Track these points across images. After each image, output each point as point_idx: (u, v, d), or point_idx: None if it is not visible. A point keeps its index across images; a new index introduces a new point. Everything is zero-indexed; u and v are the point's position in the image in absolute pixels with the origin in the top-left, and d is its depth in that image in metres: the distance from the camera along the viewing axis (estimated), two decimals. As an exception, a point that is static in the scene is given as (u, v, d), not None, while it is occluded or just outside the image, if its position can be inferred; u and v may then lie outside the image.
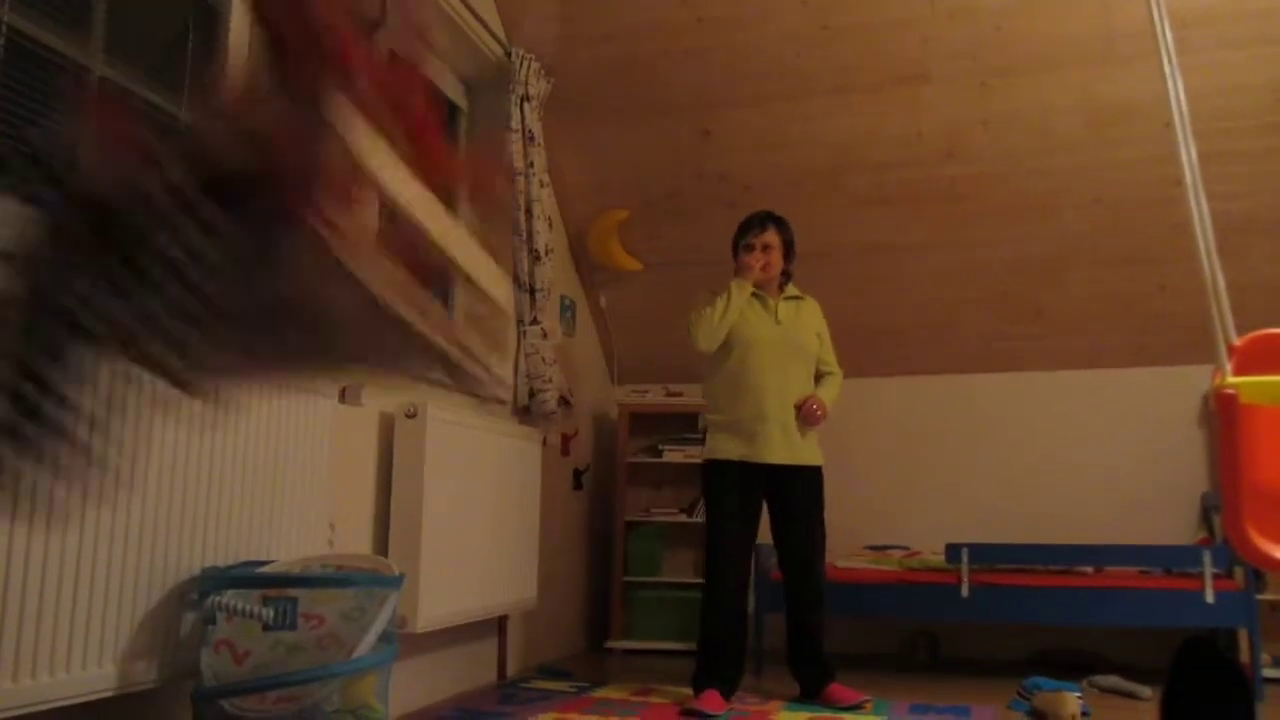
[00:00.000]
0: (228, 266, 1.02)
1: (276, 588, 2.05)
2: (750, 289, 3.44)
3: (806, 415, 3.38)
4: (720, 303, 3.40)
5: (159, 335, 1.09)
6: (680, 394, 4.86)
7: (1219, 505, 4.00)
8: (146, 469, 1.99)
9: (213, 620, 2.01)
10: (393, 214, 1.14)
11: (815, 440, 3.47)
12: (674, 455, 4.80)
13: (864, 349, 3.85)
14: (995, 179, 4.20)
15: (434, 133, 1.21)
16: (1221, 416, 1.89)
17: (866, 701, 3.25)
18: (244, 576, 2.09)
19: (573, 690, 3.49)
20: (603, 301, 4.90)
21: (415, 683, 3.13)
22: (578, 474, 4.66)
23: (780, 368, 3.40)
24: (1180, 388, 4.43)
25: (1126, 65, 3.78)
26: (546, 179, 3.97)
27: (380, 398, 2.96)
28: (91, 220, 1.08)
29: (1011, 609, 3.91)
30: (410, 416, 3.00)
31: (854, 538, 4.40)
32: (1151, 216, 4.07)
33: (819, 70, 4.05)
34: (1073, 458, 4.52)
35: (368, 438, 2.96)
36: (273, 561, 2.22)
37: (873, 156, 4.23)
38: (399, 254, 1.15)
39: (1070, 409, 4.58)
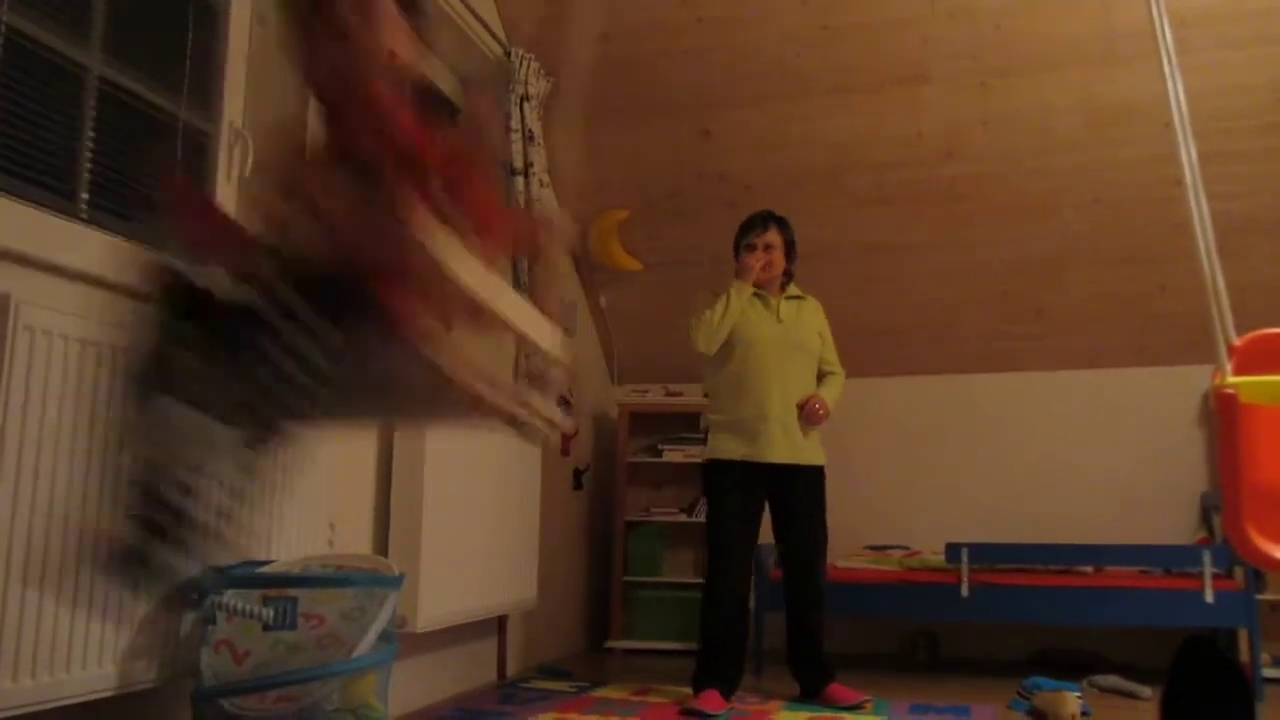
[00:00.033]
0: (325, 359, 1.16)
1: (276, 588, 2.05)
2: (750, 290, 3.44)
3: (809, 415, 3.38)
4: (720, 305, 3.40)
5: (270, 406, 1.22)
6: (680, 394, 4.86)
7: (1219, 505, 4.00)
8: (146, 469, 1.99)
9: (213, 620, 2.01)
10: (459, 293, 1.28)
11: (817, 440, 3.47)
12: (674, 455, 4.80)
13: (864, 349, 3.85)
14: (995, 179, 4.20)
15: (493, 207, 1.35)
16: (1221, 416, 1.89)
17: (866, 701, 3.25)
18: (244, 576, 2.09)
19: (573, 690, 3.49)
20: (603, 301, 4.90)
21: (415, 682, 3.13)
22: (578, 474, 4.65)
23: (782, 367, 3.40)
24: (1180, 388, 4.43)
25: (1126, 65, 3.78)
26: (546, 179, 3.97)
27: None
28: (205, 322, 1.25)
29: (1011, 609, 3.91)
30: (410, 416, 2.99)
31: (854, 538, 4.40)
32: (1151, 216, 4.07)
33: (819, 70, 4.04)
34: (1073, 458, 4.52)
35: (368, 437, 2.95)
36: (273, 561, 2.22)
37: (873, 156, 4.23)
38: (465, 326, 1.30)
39: (1070, 409, 4.58)
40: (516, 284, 1.38)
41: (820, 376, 3.53)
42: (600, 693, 3.47)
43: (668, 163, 4.40)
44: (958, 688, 3.68)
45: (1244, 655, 3.69)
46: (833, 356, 3.58)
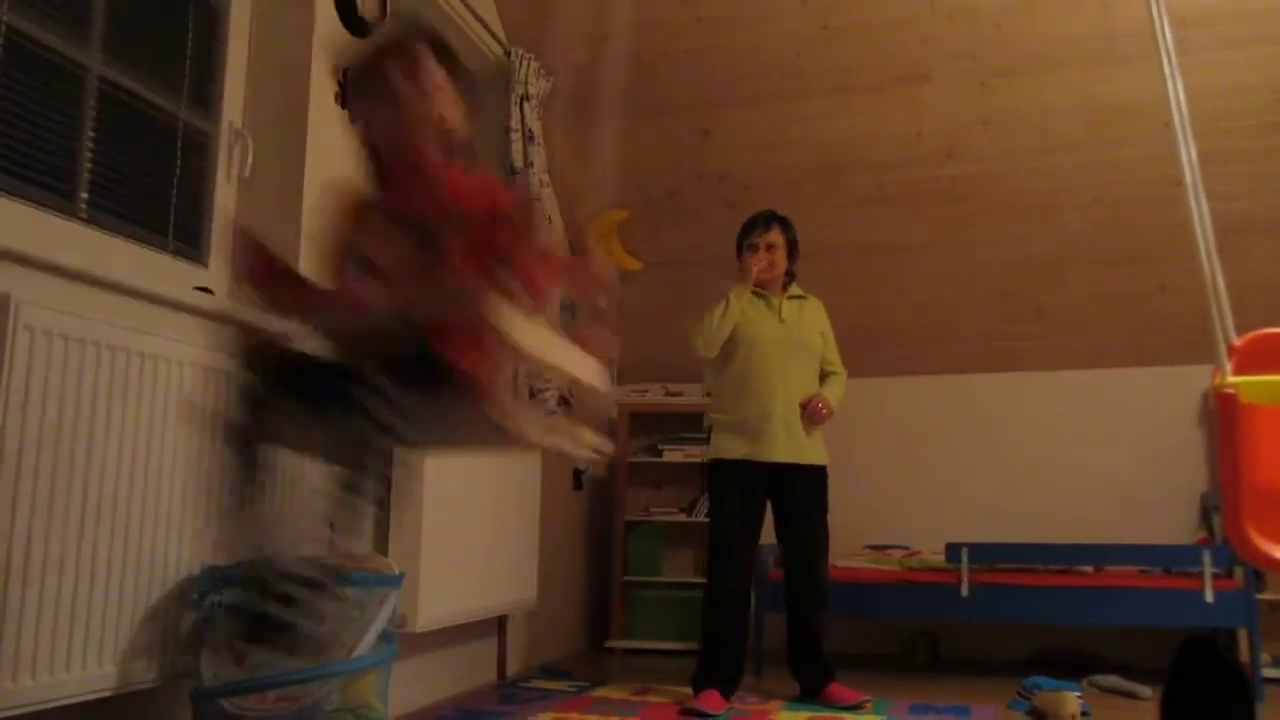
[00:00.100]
0: (407, 416, 1.34)
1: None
2: (748, 295, 3.44)
3: (812, 414, 3.39)
4: (718, 309, 3.41)
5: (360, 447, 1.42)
6: (680, 393, 4.86)
7: (1219, 505, 4.00)
8: (147, 469, 1.99)
9: (212, 620, 2.01)
10: (513, 349, 1.45)
11: (820, 439, 3.46)
12: (674, 455, 4.80)
13: (864, 349, 3.85)
14: (995, 179, 4.20)
15: (539, 264, 1.48)
16: (1221, 416, 1.89)
17: (866, 701, 3.25)
18: (244, 576, 2.08)
19: (572, 690, 3.49)
20: (603, 301, 4.89)
21: (415, 682, 3.13)
22: (578, 474, 4.65)
23: (784, 367, 3.40)
24: (1180, 388, 4.43)
25: (1126, 65, 3.78)
26: (546, 179, 3.97)
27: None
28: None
29: (1011, 609, 3.91)
30: (410, 416, 2.99)
31: (854, 537, 4.40)
32: (1151, 216, 4.07)
33: (819, 70, 4.04)
34: (1073, 458, 4.52)
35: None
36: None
37: (873, 156, 4.23)
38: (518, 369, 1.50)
39: (1070, 409, 4.58)
40: (562, 316, 1.55)
41: (823, 376, 3.53)
42: (600, 692, 3.47)
43: (668, 163, 4.40)
44: (958, 688, 3.68)
45: (1244, 655, 3.69)
46: (835, 356, 3.58)
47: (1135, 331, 4.43)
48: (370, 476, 1.39)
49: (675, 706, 3.21)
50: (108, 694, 1.89)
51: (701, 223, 4.45)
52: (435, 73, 1.53)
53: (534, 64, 3.97)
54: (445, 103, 1.54)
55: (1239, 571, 3.68)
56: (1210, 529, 4.22)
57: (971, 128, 4.09)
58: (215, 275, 2.59)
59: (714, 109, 4.22)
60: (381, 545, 2.96)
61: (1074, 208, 4.19)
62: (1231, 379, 1.88)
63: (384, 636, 2.13)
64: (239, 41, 2.72)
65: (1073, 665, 4.01)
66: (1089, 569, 3.94)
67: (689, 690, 3.28)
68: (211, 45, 2.66)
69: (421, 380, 1.36)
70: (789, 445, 3.36)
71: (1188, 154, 1.98)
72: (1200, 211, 1.95)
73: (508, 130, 3.92)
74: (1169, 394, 4.45)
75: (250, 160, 2.66)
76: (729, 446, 3.39)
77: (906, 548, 4.38)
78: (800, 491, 3.40)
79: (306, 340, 1.53)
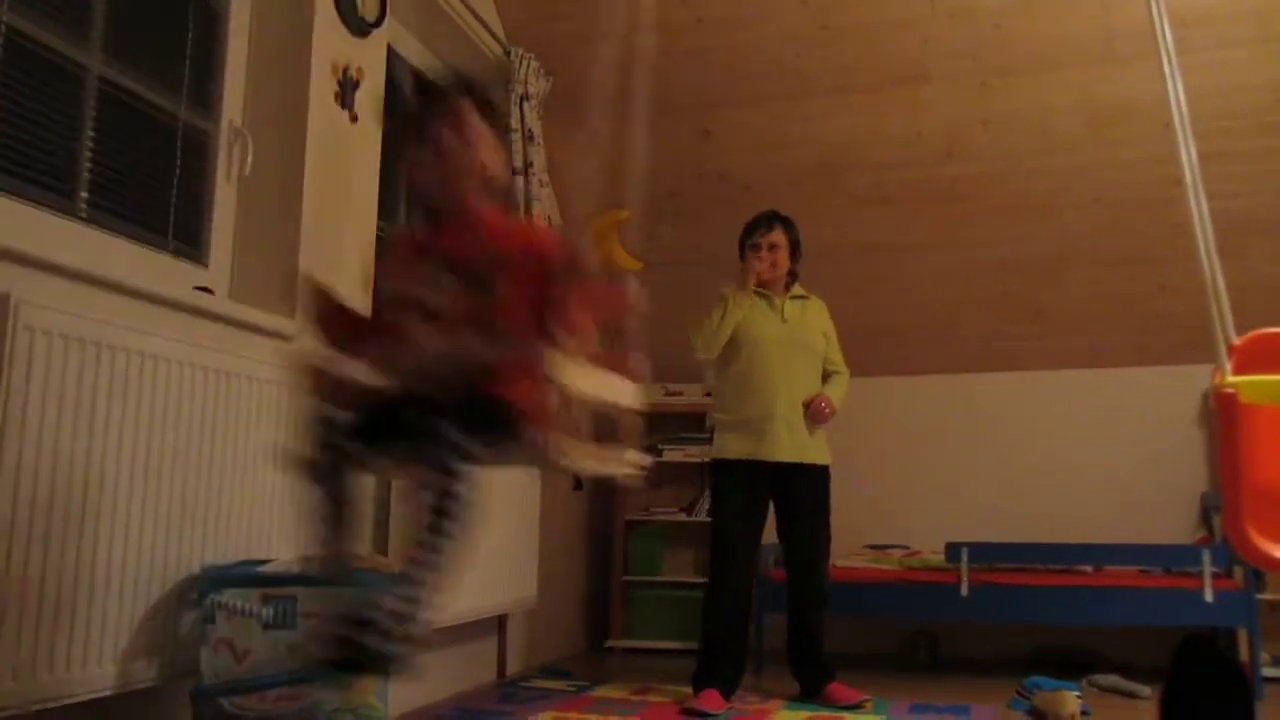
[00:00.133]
0: (468, 456, 1.46)
1: (276, 587, 2.05)
2: (747, 302, 3.43)
3: (815, 413, 3.39)
4: (716, 314, 3.41)
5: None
6: (680, 393, 4.85)
7: (1219, 505, 4.00)
8: (147, 469, 1.99)
9: (212, 619, 2.01)
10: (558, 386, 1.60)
11: (823, 439, 3.47)
12: (674, 454, 4.80)
13: (864, 349, 3.85)
14: (995, 179, 4.19)
15: (578, 304, 1.61)
16: (1221, 416, 1.89)
17: (866, 701, 3.25)
18: (244, 575, 2.09)
19: (572, 689, 3.49)
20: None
21: (415, 682, 3.13)
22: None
23: (787, 367, 3.40)
24: (1180, 387, 4.43)
25: (1126, 65, 3.78)
26: (546, 178, 3.97)
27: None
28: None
29: (1011, 608, 3.91)
30: (410, 416, 2.99)
31: (854, 537, 4.40)
32: (1151, 216, 4.07)
33: (819, 70, 4.04)
34: (1073, 457, 4.52)
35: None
36: (273, 560, 2.22)
37: (873, 156, 4.23)
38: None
39: (1070, 408, 4.58)
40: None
41: (825, 376, 3.53)
42: (600, 692, 3.47)
43: (668, 163, 4.40)
44: (958, 687, 3.68)
45: (1244, 655, 3.69)
46: (837, 356, 3.58)
47: (1135, 331, 4.43)
48: (452, 501, 1.46)
49: (675, 706, 3.21)
50: (108, 693, 1.89)
51: (701, 223, 4.45)
52: (477, 125, 1.65)
53: (534, 64, 3.97)
54: (487, 152, 1.66)
55: (1239, 571, 3.68)
56: (1210, 529, 4.22)
57: (971, 128, 4.09)
58: (215, 275, 2.60)
59: (714, 109, 4.22)
60: (381, 545, 2.96)
61: (1074, 208, 4.19)
62: (1231, 379, 1.88)
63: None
64: (239, 41, 2.72)
65: (1072, 665, 4.01)
66: (1089, 569, 3.94)
67: (689, 690, 3.28)
68: (211, 45, 2.66)
69: (477, 422, 1.48)
70: (791, 445, 3.36)
71: (1188, 154, 1.99)
72: (1200, 211, 1.95)
73: (508, 130, 3.92)
74: (1169, 394, 4.45)
75: (250, 160, 2.66)
76: (732, 446, 3.39)
77: (906, 547, 4.38)
78: (803, 491, 3.40)
79: (373, 380, 1.65)
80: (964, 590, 3.87)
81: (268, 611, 2.01)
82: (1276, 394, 1.87)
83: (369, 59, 2.96)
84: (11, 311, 1.70)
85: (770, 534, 3.48)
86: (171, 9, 2.54)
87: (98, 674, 1.86)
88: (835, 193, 4.32)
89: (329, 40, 2.79)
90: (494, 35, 3.94)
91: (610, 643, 4.65)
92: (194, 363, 2.12)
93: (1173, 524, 4.34)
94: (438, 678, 3.31)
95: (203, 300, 2.33)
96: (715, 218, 4.18)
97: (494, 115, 1.69)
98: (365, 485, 1.68)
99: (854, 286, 4.47)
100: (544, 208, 3.90)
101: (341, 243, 2.84)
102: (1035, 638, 4.33)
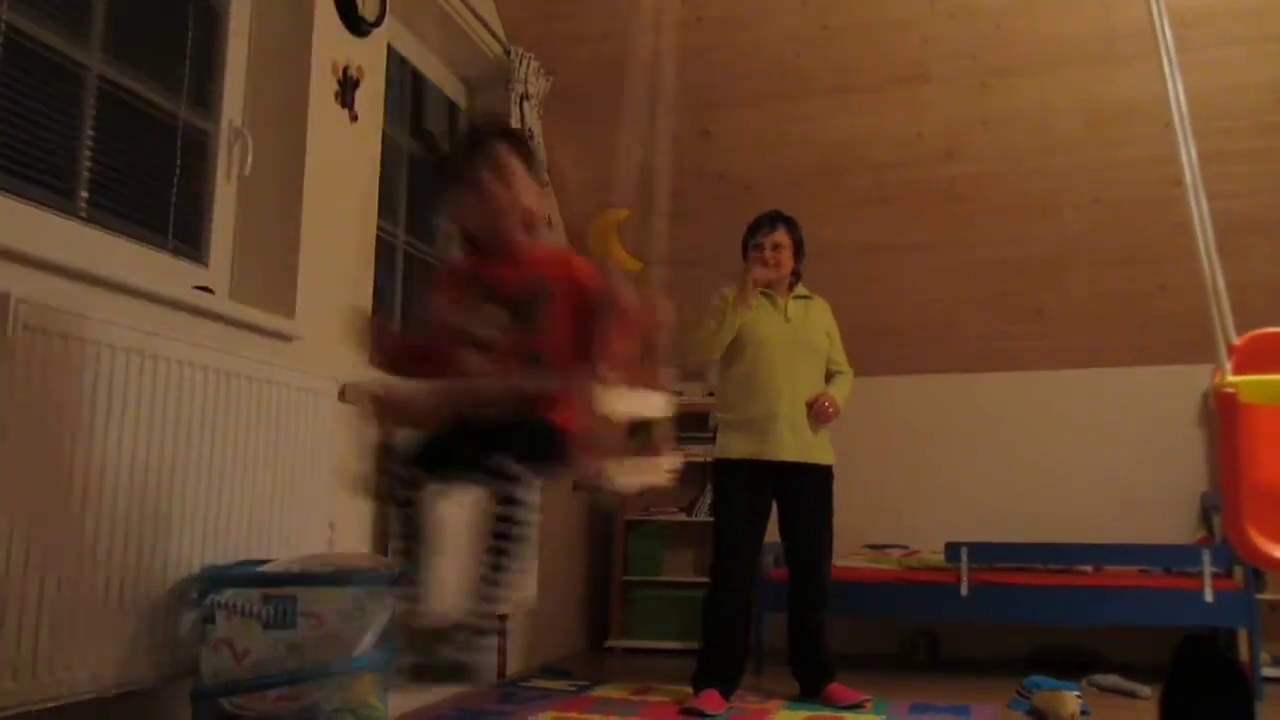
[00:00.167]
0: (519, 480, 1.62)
1: (276, 586, 2.05)
2: (747, 313, 3.42)
3: (818, 413, 3.39)
4: (714, 318, 3.40)
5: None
6: (680, 393, 4.84)
7: (1218, 505, 4.00)
8: (147, 468, 1.99)
9: (212, 619, 2.01)
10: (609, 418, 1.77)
11: (827, 439, 3.46)
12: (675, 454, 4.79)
13: (864, 349, 3.85)
14: (995, 179, 4.19)
15: (617, 333, 1.76)
16: (1221, 416, 1.89)
17: (866, 701, 3.25)
18: (244, 575, 2.09)
19: (572, 689, 3.49)
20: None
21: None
22: (578, 473, 4.65)
23: (790, 366, 3.41)
24: (1180, 387, 4.43)
25: (1126, 65, 3.78)
26: (546, 178, 3.97)
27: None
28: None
29: (1011, 608, 3.91)
30: (410, 416, 2.99)
31: (853, 536, 4.39)
32: (1151, 216, 4.07)
33: (819, 70, 4.04)
34: (1073, 457, 4.52)
35: (368, 436, 2.95)
36: (272, 560, 2.22)
37: (873, 156, 4.23)
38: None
39: (1070, 408, 4.58)
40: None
41: (829, 376, 3.53)
42: (600, 692, 3.47)
43: (668, 163, 4.39)
44: (957, 687, 3.68)
45: (1244, 655, 3.69)
46: (841, 356, 3.59)
47: (1135, 331, 4.43)
48: (511, 525, 1.62)
49: (675, 706, 3.21)
50: (108, 693, 1.89)
51: (701, 223, 4.44)
52: (516, 168, 1.81)
53: (534, 63, 3.97)
54: (525, 192, 1.82)
55: (1239, 571, 3.68)
56: (1210, 529, 4.22)
57: (971, 128, 4.09)
58: (215, 274, 2.60)
59: (714, 109, 4.22)
60: (381, 544, 2.96)
61: (1074, 208, 4.19)
62: (1231, 378, 1.88)
63: (384, 636, 2.13)
64: (239, 41, 2.72)
65: (1072, 665, 4.01)
66: (1088, 568, 3.94)
67: (689, 690, 3.28)
68: (211, 45, 2.66)
69: (530, 450, 1.64)
70: (795, 444, 3.36)
71: (1188, 154, 1.99)
72: (1200, 211, 1.95)
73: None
74: (1169, 394, 4.45)
75: (250, 160, 2.66)
76: (735, 446, 3.39)
77: (906, 547, 4.38)
78: (806, 491, 3.39)
79: (431, 405, 1.81)
80: (964, 590, 3.87)
81: (267, 611, 2.01)
82: (1276, 394, 1.87)
83: (369, 59, 2.96)
84: (11, 311, 1.70)
85: (770, 533, 3.48)
86: (171, 9, 2.54)
87: (98, 674, 1.86)
88: (835, 193, 4.32)
89: (329, 40, 2.79)
90: (494, 35, 3.94)
91: (610, 643, 4.65)
92: (194, 362, 2.12)
93: (1173, 524, 4.34)
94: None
95: (203, 300, 2.33)
96: (715, 218, 4.18)
97: (529, 154, 1.85)
98: (436, 506, 1.81)
99: (854, 286, 4.46)
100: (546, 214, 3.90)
101: (341, 243, 2.84)
102: (1035, 638, 4.33)
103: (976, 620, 4.22)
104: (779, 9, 3.89)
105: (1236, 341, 1.91)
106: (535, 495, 1.64)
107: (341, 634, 2.05)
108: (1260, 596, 3.75)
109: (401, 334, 1.90)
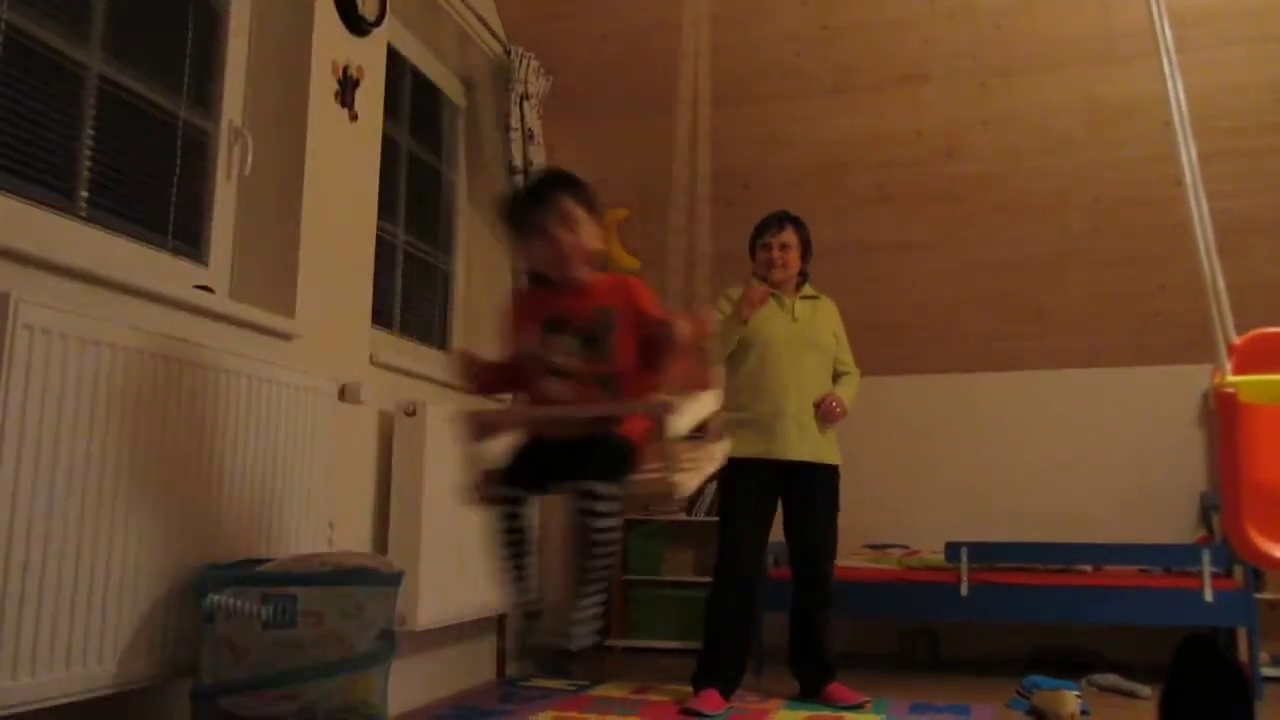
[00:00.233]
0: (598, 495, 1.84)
1: (276, 586, 2.05)
2: (743, 329, 3.42)
3: (826, 413, 3.39)
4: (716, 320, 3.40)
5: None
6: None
7: (1218, 504, 4.00)
8: (147, 468, 1.99)
9: (212, 619, 2.01)
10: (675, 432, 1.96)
11: (834, 439, 3.46)
12: (674, 454, 4.79)
13: (864, 348, 3.85)
14: (995, 179, 4.19)
15: (679, 354, 1.97)
16: (1221, 415, 1.90)
17: (866, 701, 3.25)
18: (244, 575, 2.09)
19: (572, 689, 3.50)
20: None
21: (414, 681, 3.13)
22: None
23: (797, 366, 3.40)
24: (1180, 387, 4.43)
25: (1126, 65, 3.78)
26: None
27: (380, 396, 2.96)
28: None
29: (1011, 608, 3.91)
30: (409, 415, 3.00)
31: (853, 536, 4.39)
32: (1151, 216, 4.07)
33: (819, 70, 4.04)
34: (1073, 457, 4.51)
35: (367, 436, 2.96)
36: (272, 559, 2.22)
37: (873, 156, 4.23)
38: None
39: (1070, 408, 4.58)
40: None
41: (835, 376, 3.53)
42: (600, 691, 3.47)
43: (668, 162, 4.39)
44: (957, 687, 3.68)
45: (1243, 654, 3.69)
46: (847, 356, 3.58)
47: (1135, 331, 4.43)
48: (597, 534, 1.84)
49: (675, 705, 3.21)
50: (107, 692, 1.89)
51: (701, 222, 4.44)
52: (580, 215, 2.02)
53: (534, 63, 3.97)
54: (588, 236, 2.03)
55: (1238, 571, 3.68)
56: (1210, 528, 4.22)
57: (971, 127, 4.09)
58: (215, 273, 2.60)
59: (714, 108, 4.21)
60: (381, 543, 2.96)
61: (1074, 208, 4.19)
62: (1231, 378, 1.88)
63: (383, 635, 2.13)
64: (239, 41, 2.72)
65: (1072, 664, 4.01)
66: (1088, 568, 3.94)
67: (689, 689, 3.28)
68: (211, 45, 2.66)
69: (609, 467, 1.87)
70: (802, 444, 3.36)
71: (1188, 154, 1.99)
72: (1200, 211, 1.95)
73: (507, 130, 3.92)
74: (1169, 394, 4.45)
75: (250, 159, 2.66)
76: (741, 445, 3.37)
77: (906, 547, 4.38)
78: (813, 491, 3.39)
79: (518, 423, 2.08)
80: (964, 590, 3.87)
81: (267, 610, 2.01)
82: (1276, 394, 1.87)
83: (369, 58, 2.96)
84: (11, 311, 1.70)
85: (773, 533, 3.47)
86: (171, 8, 2.54)
87: (98, 673, 1.86)
88: (835, 192, 4.32)
89: (329, 40, 2.79)
90: (494, 34, 3.94)
91: (610, 642, 4.65)
92: (194, 361, 2.12)
93: (1173, 524, 4.34)
94: (437, 677, 3.32)
95: (203, 299, 2.33)
96: (715, 217, 4.17)
97: (592, 203, 2.06)
98: (534, 518, 2.03)
99: (854, 286, 4.46)
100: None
101: (341, 243, 2.84)
102: (1035, 637, 4.33)
103: (976, 620, 4.22)
104: (779, 9, 3.89)
105: (1236, 341, 1.92)
106: (619, 506, 1.86)
107: (341, 633, 2.05)
108: (1260, 596, 3.75)
109: (489, 364, 2.14)
